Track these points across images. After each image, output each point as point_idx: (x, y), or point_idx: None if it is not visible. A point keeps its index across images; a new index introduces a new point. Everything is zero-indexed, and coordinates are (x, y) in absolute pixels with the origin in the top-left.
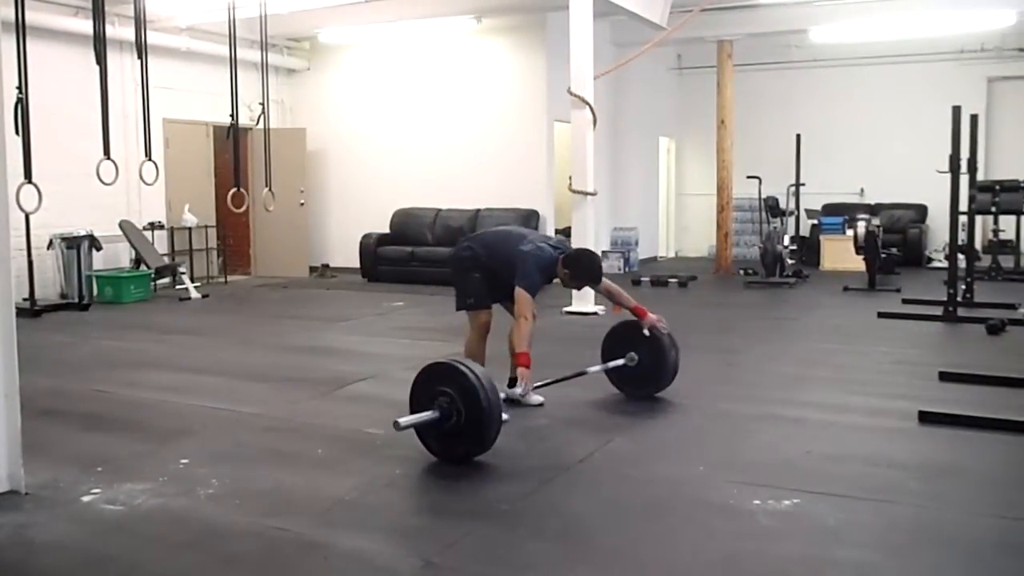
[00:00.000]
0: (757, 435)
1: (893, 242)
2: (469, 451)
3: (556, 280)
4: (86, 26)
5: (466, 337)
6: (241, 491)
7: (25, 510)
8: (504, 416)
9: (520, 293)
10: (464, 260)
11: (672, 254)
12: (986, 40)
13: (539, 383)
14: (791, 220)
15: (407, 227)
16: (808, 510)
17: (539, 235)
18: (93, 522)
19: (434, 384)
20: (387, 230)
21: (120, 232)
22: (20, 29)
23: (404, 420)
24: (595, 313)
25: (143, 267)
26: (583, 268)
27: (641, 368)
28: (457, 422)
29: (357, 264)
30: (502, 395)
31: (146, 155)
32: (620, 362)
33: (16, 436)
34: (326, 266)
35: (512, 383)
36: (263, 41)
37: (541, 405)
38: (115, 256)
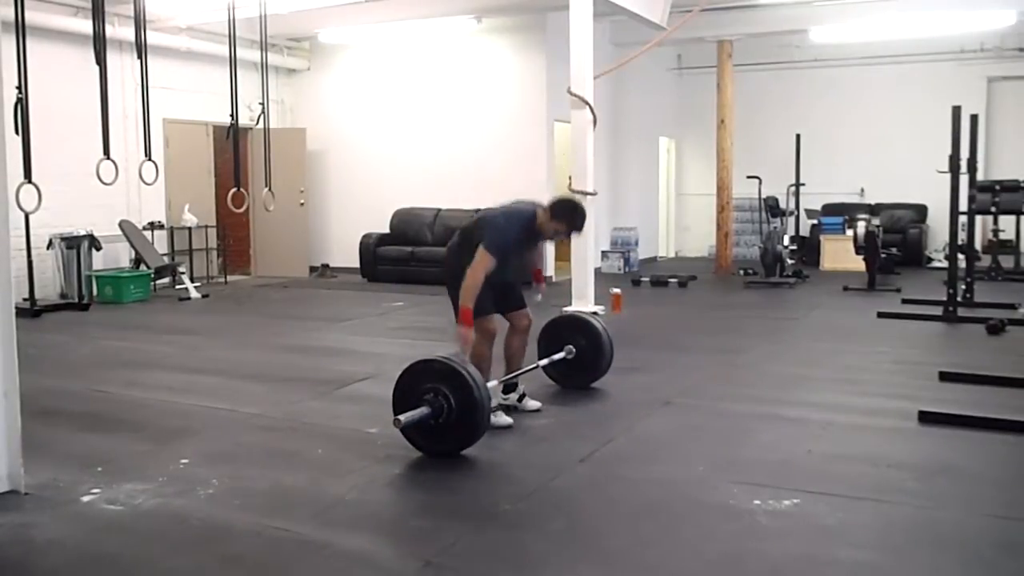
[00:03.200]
0: (757, 435)
1: (893, 242)
2: (458, 444)
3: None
4: (86, 26)
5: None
6: (241, 491)
7: (25, 510)
8: (508, 420)
9: (480, 251)
10: (454, 264)
11: (672, 254)
12: (986, 40)
13: (494, 380)
14: (791, 220)
15: (407, 227)
16: (808, 510)
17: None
18: (93, 522)
19: (420, 382)
20: (387, 230)
21: (120, 232)
22: (20, 29)
23: (404, 417)
24: (595, 312)
25: (143, 267)
26: (565, 209)
27: (579, 359)
28: (448, 417)
29: (357, 264)
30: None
31: (146, 155)
32: (561, 355)
33: (16, 436)
34: (326, 266)
35: (508, 389)
36: (263, 41)
37: (539, 411)
38: (115, 256)
